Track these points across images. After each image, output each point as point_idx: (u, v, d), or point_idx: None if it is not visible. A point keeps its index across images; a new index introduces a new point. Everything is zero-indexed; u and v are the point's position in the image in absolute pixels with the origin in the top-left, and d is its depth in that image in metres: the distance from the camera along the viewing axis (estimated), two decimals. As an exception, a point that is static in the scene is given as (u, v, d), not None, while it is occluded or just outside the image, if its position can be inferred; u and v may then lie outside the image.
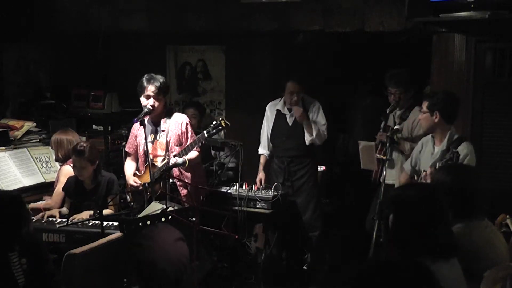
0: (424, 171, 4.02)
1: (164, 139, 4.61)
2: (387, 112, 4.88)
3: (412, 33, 5.04)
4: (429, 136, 4.19)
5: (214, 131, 4.40)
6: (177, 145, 4.63)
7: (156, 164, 4.59)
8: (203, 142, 4.55)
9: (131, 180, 4.67)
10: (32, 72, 6.30)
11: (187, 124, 4.69)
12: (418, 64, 5.27)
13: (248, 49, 5.96)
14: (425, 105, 4.09)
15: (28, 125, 5.50)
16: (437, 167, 3.82)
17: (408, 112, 4.83)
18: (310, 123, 5.15)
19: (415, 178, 4.14)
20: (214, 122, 4.41)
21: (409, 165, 4.30)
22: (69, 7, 6.20)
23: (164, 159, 4.58)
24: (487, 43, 4.63)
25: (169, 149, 4.60)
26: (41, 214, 4.48)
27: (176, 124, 4.66)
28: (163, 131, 4.63)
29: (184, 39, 6.19)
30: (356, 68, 6.47)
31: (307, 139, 5.17)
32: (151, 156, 4.57)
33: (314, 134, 5.13)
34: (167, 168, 4.45)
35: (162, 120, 4.66)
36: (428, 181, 3.56)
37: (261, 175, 5.38)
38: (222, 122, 4.38)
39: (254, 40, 5.88)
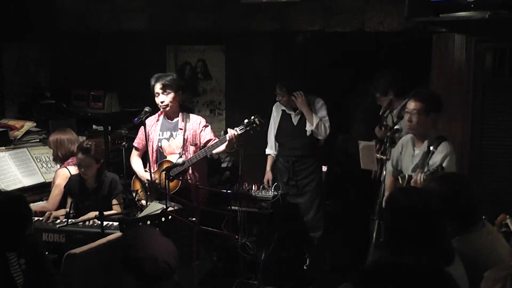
0: (408, 175, 4.01)
1: (181, 137, 4.63)
2: (381, 113, 4.94)
3: (412, 33, 5.03)
4: (409, 136, 4.14)
5: (248, 128, 4.37)
6: (192, 145, 4.65)
7: (171, 161, 4.60)
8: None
9: (147, 176, 4.65)
10: (32, 72, 6.30)
11: (205, 124, 4.74)
12: (418, 64, 5.27)
13: (248, 49, 5.96)
14: (417, 106, 3.98)
15: (28, 125, 5.50)
16: (418, 172, 3.82)
17: (404, 111, 4.85)
18: (310, 112, 5.17)
19: (399, 180, 4.12)
20: (246, 120, 4.39)
21: (391, 166, 4.29)
22: (69, 7, 6.20)
23: (180, 157, 4.58)
24: (487, 43, 4.63)
25: (185, 148, 4.61)
26: (47, 214, 4.48)
27: (194, 123, 4.70)
28: (180, 129, 4.65)
29: (184, 39, 6.19)
30: (356, 68, 6.46)
31: (308, 128, 5.18)
32: (165, 153, 4.59)
33: (314, 124, 5.14)
34: (167, 168, 4.45)
35: (180, 117, 4.68)
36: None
37: (268, 175, 5.41)
38: (256, 120, 4.34)
39: (254, 40, 5.88)
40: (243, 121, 4.43)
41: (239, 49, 6.01)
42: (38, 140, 5.47)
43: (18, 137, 5.34)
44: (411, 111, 3.99)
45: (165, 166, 4.57)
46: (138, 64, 5.92)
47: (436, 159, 3.90)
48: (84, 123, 5.90)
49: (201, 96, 6.29)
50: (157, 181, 4.57)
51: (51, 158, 5.24)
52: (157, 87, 4.62)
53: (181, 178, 4.50)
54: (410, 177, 3.98)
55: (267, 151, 5.47)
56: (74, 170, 4.70)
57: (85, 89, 5.92)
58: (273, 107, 5.43)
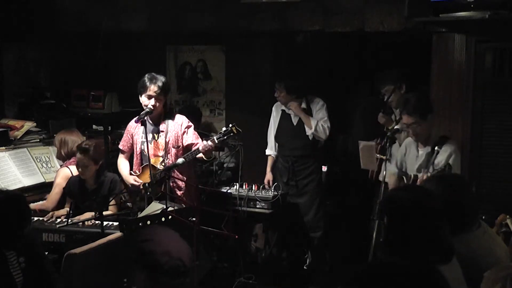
0: (414, 175, 4.02)
1: (163, 139, 4.61)
2: (385, 100, 4.92)
3: (412, 33, 5.03)
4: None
5: (225, 137, 4.38)
6: (174, 147, 4.62)
7: (155, 165, 4.59)
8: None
9: (131, 179, 4.66)
10: (32, 72, 6.29)
11: (187, 125, 4.69)
12: (418, 64, 5.27)
13: (248, 49, 5.96)
14: (410, 118, 3.99)
15: (28, 125, 5.50)
16: (424, 172, 3.82)
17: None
18: (307, 116, 5.18)
19: (404, 180, 4.13)
20: (224, 128, 4.40)
21: (395, 167, 4.30)
22: (69, 7, 6.20)
23: (163, 160, 4.57)
24: (487, 43, 4.63)
25: (167, 150, 4.60)
26: (49, 214, 4.49)
27: (176, 125, 4.65)
28: (162, 131, 4.63)
29: (184, 39, 6.19)
30: (356, 68, 6.47)
31: (308, 132, 5.19)
32: (149, 156, 4.57)
33: (313, 127, 5.14)
34: (167, 168, 4.45)
35: (162, 120, 4.66)
36: None
37: (269, 176, 5.41)
38: (233, 128, 4.35)
39: (254, 40, 5.88)
40: (221, 130, 4.43)
41: (239, 49, 6.01)
42: (38, 140, 5.47)
43: (18, 137, 5.34)
44: (410, 125, 4.04)
45: (147, 170, 4.55)
46: (138, 64, 5.90)
47: (440, 158, 3.91)
48: (84, 123, 5.89)
49: (201, 96, 6.29)
50: (143, 183, 4.57)
51: (51, 158, 5.26)
52: (152, 90, 4.52)
53: (166, 180, 4.46)
54: (415, 176, 3.99)
55: (267, 151, 5.47)
56: (75, 170, 4.70)
57: (85, 89, 5.91)
58: (273, 107, 5.43)
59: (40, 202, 4.83)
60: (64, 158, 4.93)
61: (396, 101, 4.96)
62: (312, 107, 5.26)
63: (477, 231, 2.81)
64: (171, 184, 4.57)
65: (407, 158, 4.23)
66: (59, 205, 4.73)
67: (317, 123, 5.15)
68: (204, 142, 4.45)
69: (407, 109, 4.05)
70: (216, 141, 4.39)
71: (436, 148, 3.94)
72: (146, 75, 4.60)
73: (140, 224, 3.59)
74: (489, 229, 3.00)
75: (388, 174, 4.41)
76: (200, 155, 4.54)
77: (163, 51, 6.33)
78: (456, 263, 2.46)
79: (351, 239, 5.52)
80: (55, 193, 4.73)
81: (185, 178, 4.63)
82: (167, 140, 4.60)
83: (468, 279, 2.47)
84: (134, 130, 4.71)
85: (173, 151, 4.62)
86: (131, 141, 4.76)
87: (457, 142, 4.18)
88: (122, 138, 4.88)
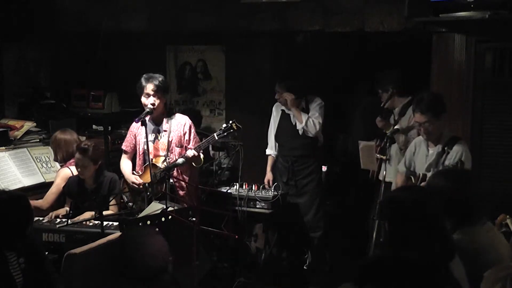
0: (423, 174, 4.02)
1: (166, 139, 4.62)
2: (382, 105, 4.92)
3: (412, 33, 5.04)
4: (422, 137, 4.17)
5: (225, 133, 4.38)
6: (178, 146, 4.63)
7: (157, 164, 4.59)
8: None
9: (132, 178, 4.66)
10: (32, 72, 6.30)
11: (190, 126, 4.69)
12: (418, 64, 5.28)
13: (248, 49, 5.96)
14: (423, 117, 3.97)
15: (28, 125, 5.51)
16: (434, 172, 3.82)
17: (406, 108, 4.84)
18: (299, 111, 5.18)
19: (412, 180, 4.14)
20: (225, 125, 4.41)
21: (404, 166, 4.29)
22: (69, 7, 6.21)
23: (165, 159, 4.57)
24: (487, 43, 4.64)
25: (170, 149, 4.61)
26: (50, 214, 4.49)
27: (179, 125, 4.66)
28: (165, 131, 4.64)
29: (184, 39, 6.19)
30: (356, 68, 6.47)
31: (298, 126, 5.19)
32: (151, 156, 4.57)
33: (304, 121, 5.14)
34: (167, 168, 4.45)
35: (164, 120, 4.66)
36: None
37: (269, 175, 5.40)
38: (234, 125, 4.36)
39: (254, 40, 5.88)
40: (221, 127, 4.43)
41: (239, 49, 6.01)
42: (38, 140, 5.47)
43: (18, 137, 5.34)
44: (423, 123, 4.01)
45: (149, 170, 4.54)
46: (138, 64, 5.90)
47: (450, 158, 3.91)
48: (84, 123, 5.90)
49: (201, 96, 6.29)
50: (144, 183, 4.57)
51: (51, 158, 5.26)
52: (149, 88, 4.54)
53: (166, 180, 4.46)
54: (424, 176, 3.99)
55: (267, 151, 5.47)
56: (76, 170, 4.70)
57: (85, 89, 5.91)
58: (273, 107, 5.43)
59: (36, 201, 4.81)
60: (61, 160, 4.92)
61: (394, 103, 4.96)
62: (310, 106, 5.26)
63: (482, 227, 2.82)
64: (175, 184, 4.57)
65: (416, 157, 4.22)
66: (55, 205, 4.73)
67: (308, 118, 5.15)
68: (189, 151, 4.46)
69: (420, 108, 4.02)
70: (217, 138, 4.39)
71: (446, 148, 3.94)
72: (143, 76, 4.62)
73: (140, 224, 3.59)
74: (494, 228, 3.01)
75: (396, 173, 4.41)
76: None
77: (163, 51, 6.33)
78: (459, 262, 2.47)
79: (351, 239, 5.51)
80: (52, 193, 4.74)
81: (186, 178, 4.63)
82: (169, 140, 4.61)
83: (470, 276, 2.48)
84: (137, 131, 4.71)
85: (176, 150, 4.62)
86: (134, 142, 4.77)
87: (472, 144, 4.17)
88: (125, 139, 4.89)
